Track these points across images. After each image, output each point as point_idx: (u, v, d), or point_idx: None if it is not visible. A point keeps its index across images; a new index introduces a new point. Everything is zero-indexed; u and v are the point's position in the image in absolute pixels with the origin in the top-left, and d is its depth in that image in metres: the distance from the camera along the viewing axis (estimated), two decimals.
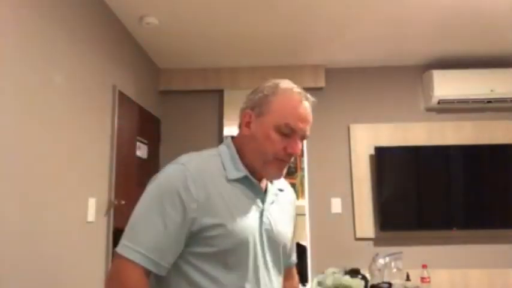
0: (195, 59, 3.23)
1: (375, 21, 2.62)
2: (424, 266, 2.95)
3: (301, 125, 1.05)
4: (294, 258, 1.23)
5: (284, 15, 2.51)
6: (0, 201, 1.44)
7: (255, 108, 1.07)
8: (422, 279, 2.94)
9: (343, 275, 2.82)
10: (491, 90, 3.10)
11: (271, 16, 2.53)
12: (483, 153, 3.19)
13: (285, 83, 1.11)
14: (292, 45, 2.99)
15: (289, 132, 1.04)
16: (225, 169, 1.04)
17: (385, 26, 2.68)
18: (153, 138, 3.18)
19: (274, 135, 1.04)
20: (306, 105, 1.09)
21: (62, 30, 1.87)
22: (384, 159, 3.21)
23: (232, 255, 0.97)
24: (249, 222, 1.00)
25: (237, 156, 1.07)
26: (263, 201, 1.07)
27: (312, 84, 3.35)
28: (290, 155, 1.05)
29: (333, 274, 2.80)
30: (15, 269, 1.53)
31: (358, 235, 3.20)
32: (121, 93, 2.49)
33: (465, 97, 3.15)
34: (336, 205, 3.26)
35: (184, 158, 1.04)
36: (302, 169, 3.23)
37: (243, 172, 1.04)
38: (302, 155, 3.27)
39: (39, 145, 1.65)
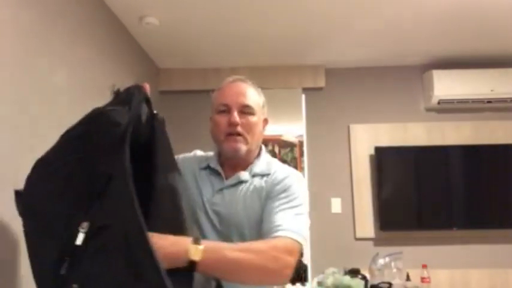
0: (195, 59, 3.23)
1: (374, 21, 2.62)
2: (424, 266, 2.95)
3: (232, 98, 1.23)
4: (273, 232, 1.09)
5: (284, 15, 2.51)
6: (0, 202, 1.44)
7: (211, 113, 1.30)
8: (422, 279, 2.94)
9: (343, 275, 2.82)
10: (491, 90, 3.10)
11: (271, 16, 2.53)
12: (483, 153, 3.19)
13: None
14: (292, 45, 2.99)
15: (226, 109, 1.22)
16: (204, 162, 1.31)
17: (385, 26, 2.68)
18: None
19: (218, 118, 1.24)
20: (236, 83, 1.27)
21: (61, 30, 1.87)
22: (384, 159, 3.20)
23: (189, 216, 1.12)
24: (199, 199, 1.24)
25: (214, 153, 1.33)
26: (222, 187, 1.24)
27: (312, 84, 3.35)
28: (231, 125, 1.21)
29: (333, 274, 2.80)
30: (16, 268, 1.53)
31: (358, 235, 3.20)
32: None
33: (465, 97, 3.15)
34: (336, 205, 3.26)
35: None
36: (302, 169, 3.23)
37: (207, 163, 1.30)
38: (302, 154, 3.27)
39: (38, 145, 1.65)
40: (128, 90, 1.03)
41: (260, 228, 1.15)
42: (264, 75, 3.30)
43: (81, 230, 0.87)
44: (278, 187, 1.19)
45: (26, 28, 1.61)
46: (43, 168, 1.00)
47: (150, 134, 1.03)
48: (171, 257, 0.89)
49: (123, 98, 1.02)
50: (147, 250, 0.82)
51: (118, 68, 2.51)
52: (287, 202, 1.15)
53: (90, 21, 2.16)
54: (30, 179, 1.01)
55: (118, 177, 0.89)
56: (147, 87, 1.06)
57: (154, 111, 1.06)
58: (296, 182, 1.21)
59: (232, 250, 0.98)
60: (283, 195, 1.17)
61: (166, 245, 0.89)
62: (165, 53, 3.11)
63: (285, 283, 1.11)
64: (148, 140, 1.02)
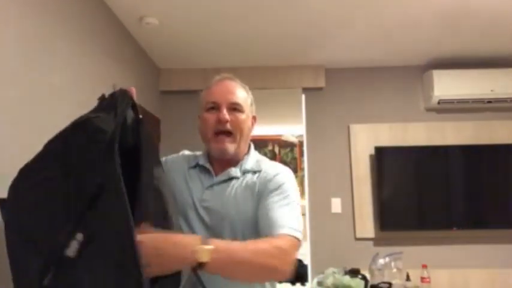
0: (195, 59, 3.23)
1: (374, 22, 2.62)
2: (424, 266, 2.95)
3: (220, 95, 1.24)
4: (273, 229, 1.11)
5: (284, 15, 2.51)
6: None
7: (199, 111, 1.31)
8: (422, 279, 2.94)
9: (343, 275, 2.82)
10: (491, 90, 3.10)
11: (271, 16, 2.53)
12: (483, 153, 3.19)
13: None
14: (292, 45, 2.98)
15: (214, 106, 1.23)
16: (193, 160, 1.33)
17: (385, 26, 2.68)
18: (153, 139, 3.18)
19: (207, 115, 1.25)
20: (224, 81, 1.28)
21: (62, 30, 1.87)
22: (384, 159, 3.20)
23: (180, 215, 1.21)
24: (189, 197, 1.25)
25: (203, 151, 1.34)
26: (212, 183, 1.25)
27: (312, 84, 3.35)
28: (220, 122, 1.21)
29: (333, 274, 2.80)
30: None
31: (358, 235, 3.20)
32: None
33: (465, 97, 3.15)
34: (336, 205, 3.26)
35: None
36: (302, 169, 3.23)
37: (196, 161, 1.31)
38: (302, 154, 3.27)
39: (39, 146, 1.65)
40: (113, 95, 1.02)
41: (253, 224, 1.17)
42: (264, 75, 3.30)
43: (75, 240, 0.87)
44: (272, 184, 1.21)
45: (26, 28, 1.61)
46: (27, 179, 1.00)
47: (135, 139, 1.02)
48: (176, 259, 0.88)
49: (107, 104, 1.01)
50: (136, 263, 0.83)
51: (118, 68, 2.51)
52: (282, 199, 1.17)
53: (90, 22, 2.16)
54: (14, 188, 1.00)
55: (110, 187, 0.88)
56: (133, 91, 1.05)
57: (140, 116, 1.04)
58: (288, 178, 1.24)
59: (240, 251, 0.98)
60: (277, 191, 1.19)
61: (169, 246, 0.88)
62: (165, 53, 3.11)
63: (285, 279, 1.13)
64: (134, 144, 1.02)
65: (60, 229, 0.89)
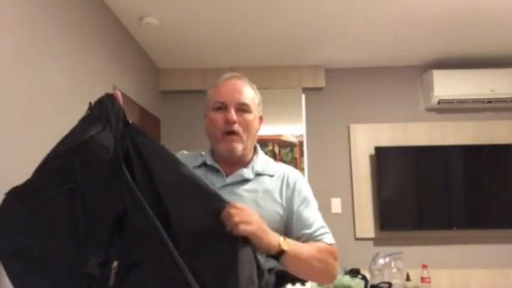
0: (195, 59, 3.22)
1: (374, 22, 2.62)
2: (424, 266, 2.95)
3: (228, 95, 1.21)
4: (320, 236, 1.22)
5: (284, 15, 2.51)
6: None
7: (206, 110, 1.28)
8: (422, 279, 2.94)
9: (343, 275, 2.82)
10: (491, 90, 3.10)
11: (271, 16, 2.53)
12: (483, 153, 3.19)
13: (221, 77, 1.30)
14: (292, 45, 2.98)
15: (222, 106, 1.21)
16: (195, 160, 1.27)
17: (385, 26, 2.68)
18: (153, 138, 3.17)
19: (214, 115, 1.22)
20: (232, 80, 1.25)
21: (62, 30, 1.87)
22: (384, 159, 3.20)
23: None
24: None
25: (208, 150, 1.30)
26: (225, 184, 1.22)
27: (312, 84, 3.35)
28: (228, 123, 1.19)
29: None
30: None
31: (358, 235, 3.20)
32: (121, 93, 2.49)
33: (465, 97, 3.15)
34: (336, 205, 3.26)
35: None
36: (302, 169, 3.23)
37: (202, 160, 1.26)
38: (302, 154, 3.27)
39: (39, 146, 1.65)
40: (100, 103, 0.99)
41: (272, 229, 1.15)
42: (264, 75, 3.30)
43: (112, 271, 0.85)
44: (297, 190, 1.26)
45: (26, 28, 1.61)
46: (26, 201, 0.92)
47: (128, 145, 0.97)
48: (270, 245, 1.02)
49: (99, 113, 0.97)
50: (186, 281, 0.82)
51: (118, 68, 2.51)
52: (312, 205, 1.29)
53: (90, 22, 2.16)
54: (7, 216, 0.93)
55: (134, 210, 0.86)
56: (119, 95, 1.04)
57: (130, 121, 1.02)
58: (304, 180, 1.33)
59: (307, 249, 1.12)
60: (306, 198, 1.27)
61: (268, 235, 1.03)
62: (165, 53, 3.11)
63: (331, 283, 1.29)
64: (126, 150, 0.97)
65: (82, 253, 0.85)
